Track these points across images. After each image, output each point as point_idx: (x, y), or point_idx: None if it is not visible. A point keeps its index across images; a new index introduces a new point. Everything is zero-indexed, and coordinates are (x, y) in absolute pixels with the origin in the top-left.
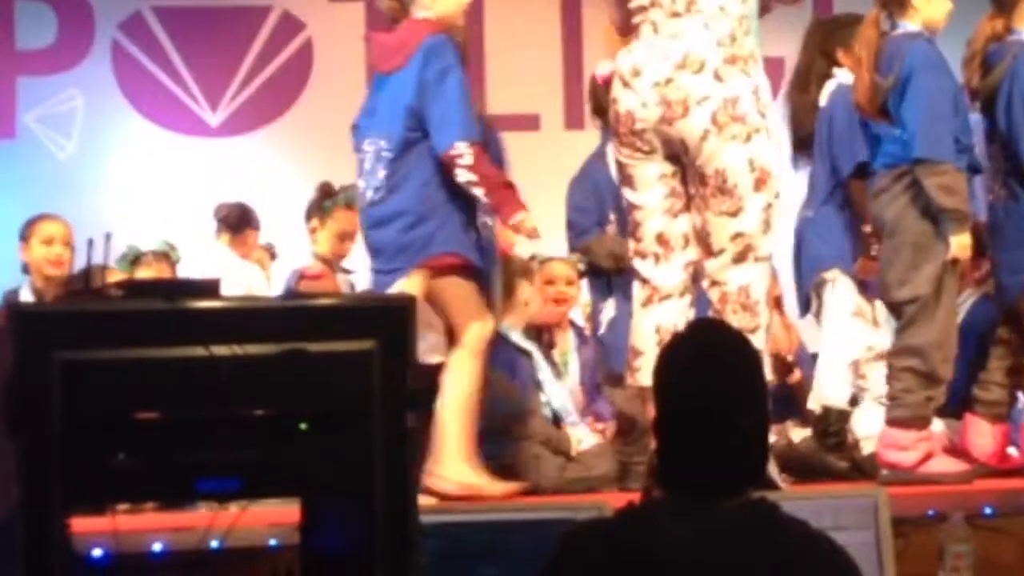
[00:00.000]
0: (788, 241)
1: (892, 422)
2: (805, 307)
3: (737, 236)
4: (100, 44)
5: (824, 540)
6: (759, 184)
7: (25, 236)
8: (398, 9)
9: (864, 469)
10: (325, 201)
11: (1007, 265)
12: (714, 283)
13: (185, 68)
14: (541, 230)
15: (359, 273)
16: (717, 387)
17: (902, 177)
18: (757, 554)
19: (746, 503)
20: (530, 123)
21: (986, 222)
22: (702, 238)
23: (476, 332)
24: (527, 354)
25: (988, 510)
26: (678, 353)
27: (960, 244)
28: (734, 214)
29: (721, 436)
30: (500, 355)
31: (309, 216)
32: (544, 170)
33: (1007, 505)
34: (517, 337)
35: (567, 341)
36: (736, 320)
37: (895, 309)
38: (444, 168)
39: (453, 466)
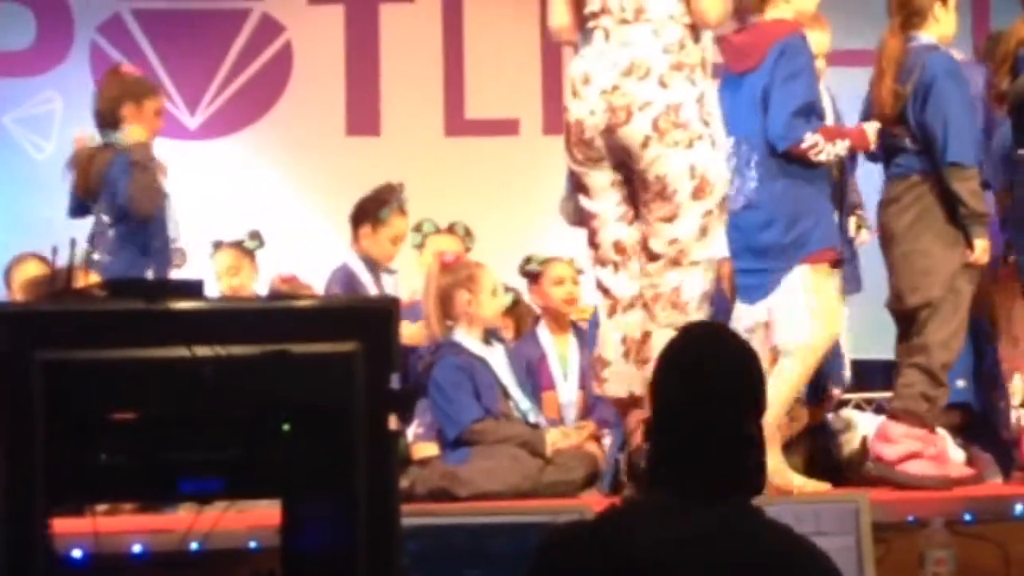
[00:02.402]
0: None
1: (888, 414)
2: None
3: (673, 242)
4: (79, 46)
5: (807, 545)
6: (698, 192)
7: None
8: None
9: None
10: (383, 210)
11: None
12: (650, 285)
13: (164, 71)
14: (521, 235)
15: (401, 272)
16: (719, 389)
17: (913, 188)
18: (741, 558)
19: (730, 506)
20: (509, 128)
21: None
22: (644, 244)
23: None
24: (484, 361)
25: (968, 516)
26: (679, 355)
27: (982, 247)
28: (670, 220)
29: (722, 439)
30: (459, 362)
31: (361, 219)
32: (523, 175)
33: (987, 512)
34: (472, 345)
35: (567, 345)
36: (664, 317)
37: (903, 316)
38: (807, 164)
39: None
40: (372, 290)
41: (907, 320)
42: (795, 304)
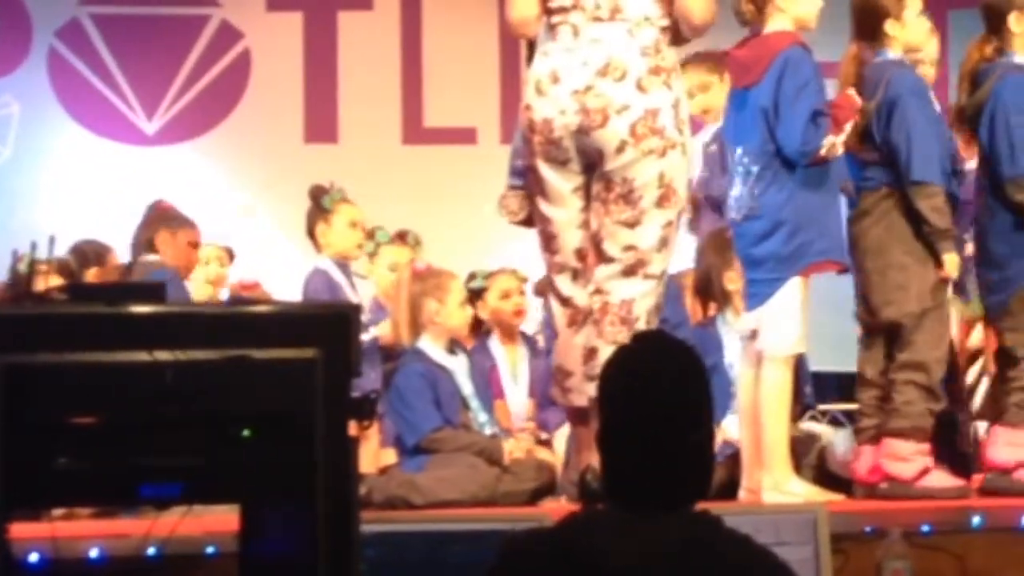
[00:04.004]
0: None
1: (892, 433)
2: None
3: (630, 248)
4: (37, 51)
5: (766, 554)
6: (663, 200)
7: None
8: (754, 12)
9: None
10: (324, 199)
11: (985, 284)
12: (598, 291)
13: (122, 76)
14: (478, 244)
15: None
16: (666, 400)
17: (883, 200)
18: (701, 567)
19: (690, 516)
20: (467, 136)
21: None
22: (596, 243)
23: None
24: (447, 370)
25: (926, 527)
26: (625, 365)
27: (951, 262)
28: (631, 225)
29: (670, 449)
30: (422, 370)
31: (312, 223)
32: (480, 184)
33: (945, 523)
34: (437, 354)
35: (517, 354)
36: (612, 333)
37: (875, 330)
38: (815, 172)
39: (786, 474)
40: (349, 293)
41: (878, 333)
42: (786, 313)
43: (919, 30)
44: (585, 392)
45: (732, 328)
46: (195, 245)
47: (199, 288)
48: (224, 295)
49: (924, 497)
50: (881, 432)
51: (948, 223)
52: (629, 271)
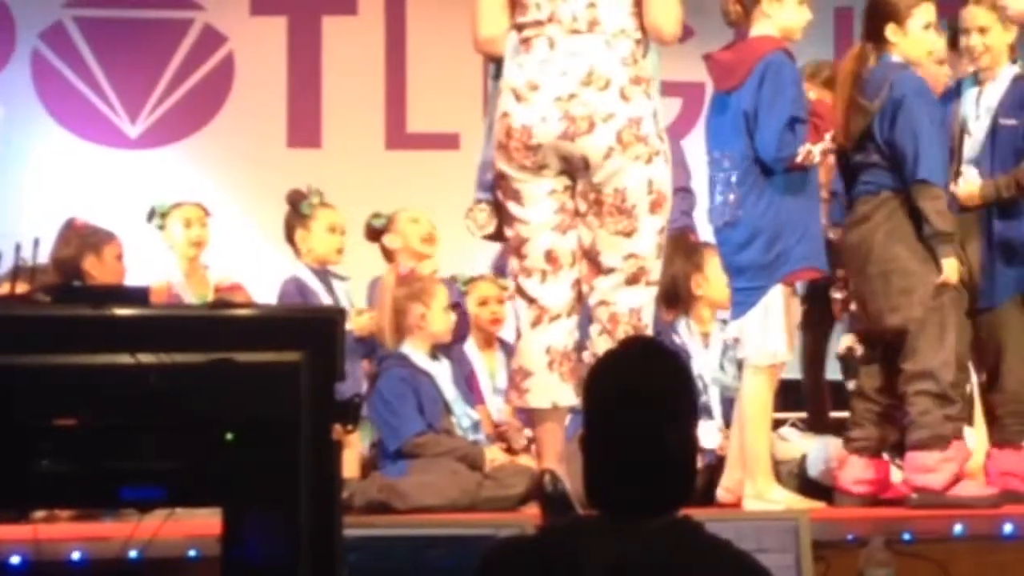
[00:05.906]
0: None
1: (914, 445)
2: None
3: (630, 257)
4: (20, 53)
5: (748, 560)
6: (655, 207)
7: None
8: (740, 13)
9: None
10: (302, 205)
11: None
12: (603, 303)
13: (105, 79)
14: (460, 250)
15: (355, 279)
16: (649, 404)
17: (884, 204)
18: (682, 573)
19: (672, 522)
20: (450, 142)
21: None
22: (592, 256)
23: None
24: (430, 375)
25: (907, 536)
26: (610, 370)
27: (951, 267)
28: (628, 234)
29: (651, 455)
30: (404, 375)
31: (291, 229)
32: (464, 189)
33: (926, 531)
34: (420, 359)
35: (495, 360)
36: None
37: (877, 338)
38: (794, 178)
39: (768, 483)
40: (325, 298)
41: (881, 341)
42: (768, 321)
43: (921, 43)
44: (549, 392)
45: (693, 333)
46: (120, 257)
47: (183, 250)
48: (208, 258)
49: (956, 506)
50: (906, 446)
51: (950, 226)
52: (632, 279)
